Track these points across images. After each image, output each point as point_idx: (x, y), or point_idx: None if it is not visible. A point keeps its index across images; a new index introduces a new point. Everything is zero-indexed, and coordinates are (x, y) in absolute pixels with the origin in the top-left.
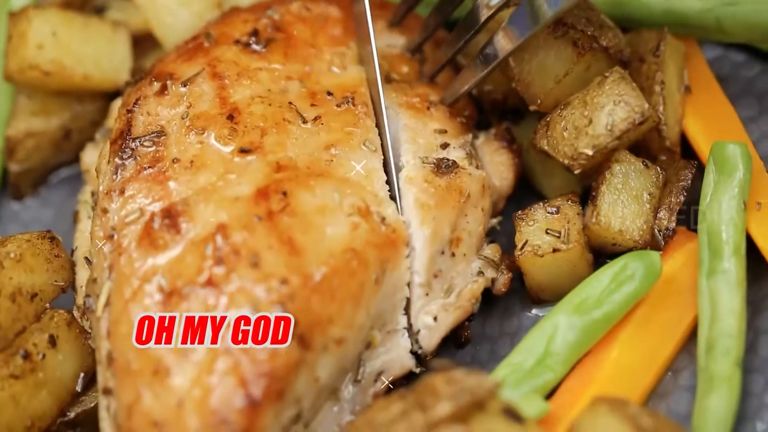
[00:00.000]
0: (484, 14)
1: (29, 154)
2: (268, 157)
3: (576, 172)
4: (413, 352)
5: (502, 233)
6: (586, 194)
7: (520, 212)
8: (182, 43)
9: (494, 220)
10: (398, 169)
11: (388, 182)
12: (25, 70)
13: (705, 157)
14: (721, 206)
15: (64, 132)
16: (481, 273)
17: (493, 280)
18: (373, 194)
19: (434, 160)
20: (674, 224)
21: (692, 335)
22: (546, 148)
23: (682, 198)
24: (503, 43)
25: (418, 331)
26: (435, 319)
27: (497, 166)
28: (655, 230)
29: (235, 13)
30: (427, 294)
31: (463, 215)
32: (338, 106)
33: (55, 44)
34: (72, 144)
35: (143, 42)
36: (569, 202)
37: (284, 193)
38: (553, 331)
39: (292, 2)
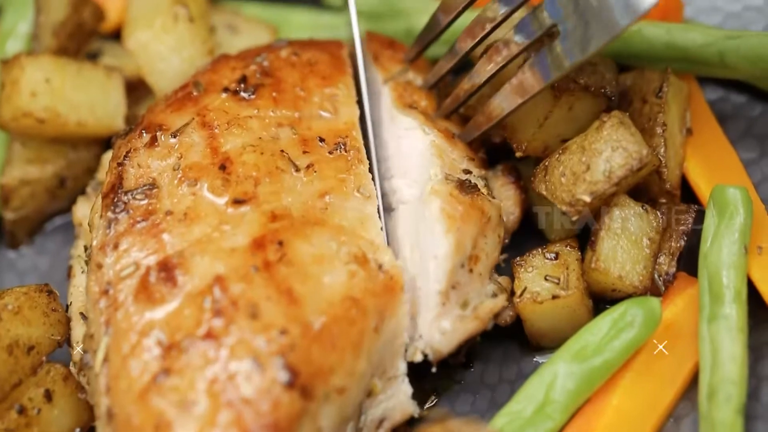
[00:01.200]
0: (491, 69)
1: (24, 202)
2: (262, 207)
3: (573, 218)
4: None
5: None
6: (584, 235)
7: (518, 258)
8: (171, 92)
9: (500, 257)
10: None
11: (383, 228)
12: (19, 118)
13: (706, 200)
14: (722, 251)
15: (60, 180)
16: (495, 295)
17: (502, 310)
18: (369, 241)
19: (457, 179)
20: (674, 269)
21: (694, 382)
22: (544, 192)
23: (682, 243)
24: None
25: (429, 339)
26: (451, 326)
27: (504, 201)
28: (655, 275)
29: (223, 60)
30: (443, 303)
31: (483, 235)
32: (330, 152)
33: (48, 91)
34: (67, 191)
35: (138, 88)
36: (568, 248)
37: (280, 243)
38: (552, 379)
39: (282, 48)
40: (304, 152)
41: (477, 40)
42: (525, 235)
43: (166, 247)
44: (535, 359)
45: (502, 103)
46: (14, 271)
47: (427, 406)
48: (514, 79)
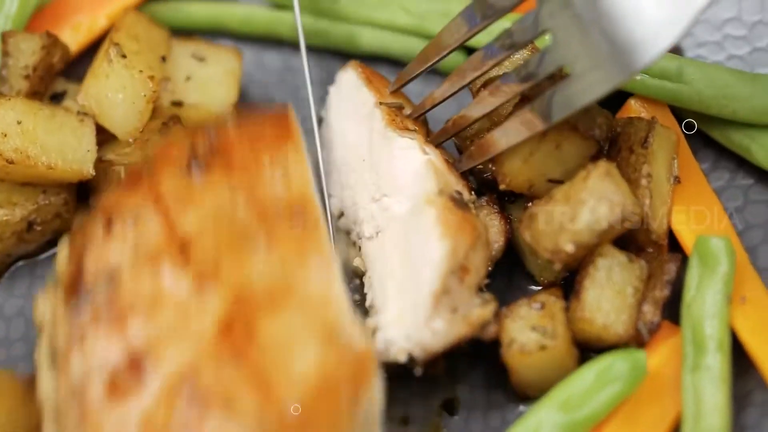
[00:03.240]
0: (487, 107)
1: None
2: (226, 287)
3: (556, 267)
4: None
5: None
6: (568, 283)
7: (504, 309)
8: (122, 177)
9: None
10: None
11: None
12: None
13: (689, 249)
14: (705, 301)
15: (28, 223)
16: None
17: (486, 326)
18: (337, 314)
19: (451, 195)
20: (659, 318)
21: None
22: (529, 240)
23: (666, 292)
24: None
25: (419, 339)
26: (443, 326)
27: (489, 230)
28: (640, 324)
29: (172, 139)
30: (435, 306)
31: (474, 249)
32: (289, 224)
33: (19, 133)
34: (35, 235)
35: (105, 130)
36: (553, 297)
37: (248, 325)
38: (536, 428)
39: (228, 121)
40: (262, 226)
41: (459, 87)
42: (508, 280)
43: (133, 338)
44: (519, 408)
45: (501, 138)
46: (1, 316)
47: None
48: (515, 118)
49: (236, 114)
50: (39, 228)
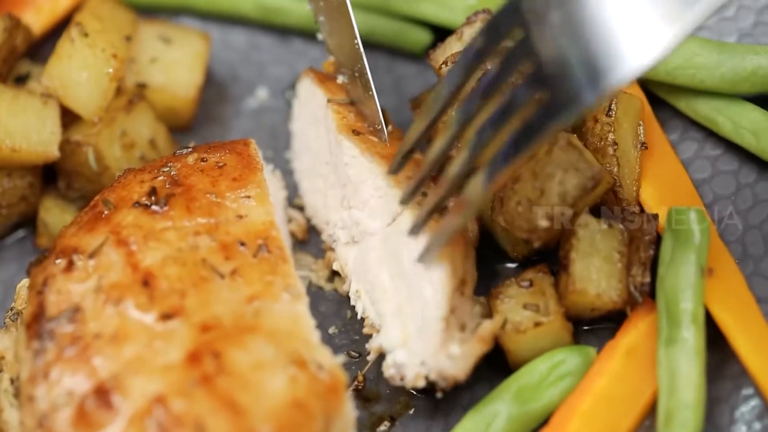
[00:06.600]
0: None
1: None
2: (191, 319)
3: (536, 245)
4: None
5: None
6: (547, 259)
7: (493, 290)
8: (81, 213)
9: None
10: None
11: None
12: None
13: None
14: (679, 274)
15: None
16: (486, 316)
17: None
18: (305, 342)
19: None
20: (649, 278)
21: (654, 407)
22: (503, 224)
23: (651, 251)
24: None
25: (437, 366)
26: (460, 350)
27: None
28: (631, 287)
29: (130, 174)
30: (445, 329)
31: (467, 257)
32: (253, 256)
33: None
34: (1, 219)
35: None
36: (540, 274)
37: (216, 354)
38: (491, 419)
39: (188, 155)
40: (226, 258)
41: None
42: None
43: (99, 372)
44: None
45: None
46: None
47: (379, 430)
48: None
49: (197, 148)
50: (4, 211)
